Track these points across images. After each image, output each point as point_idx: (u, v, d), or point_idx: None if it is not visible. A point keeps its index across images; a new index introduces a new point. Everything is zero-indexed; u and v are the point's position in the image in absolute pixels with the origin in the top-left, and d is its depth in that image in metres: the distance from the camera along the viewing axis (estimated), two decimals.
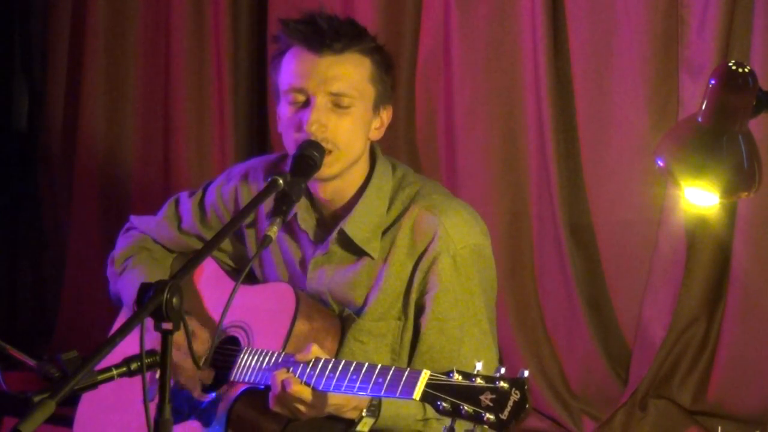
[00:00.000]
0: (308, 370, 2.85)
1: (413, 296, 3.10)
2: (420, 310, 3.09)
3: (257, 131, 4.98)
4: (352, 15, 4.58)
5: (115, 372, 2.67)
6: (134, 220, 3.51)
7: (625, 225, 4.30)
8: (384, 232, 3.13)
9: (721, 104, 2.58)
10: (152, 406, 2.44)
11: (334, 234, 3.13)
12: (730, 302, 4.15)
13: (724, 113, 2.58)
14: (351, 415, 2.90)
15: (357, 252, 3.14)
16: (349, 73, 3.07)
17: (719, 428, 4.08)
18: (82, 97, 5.11)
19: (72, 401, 3.33)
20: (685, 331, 4.23)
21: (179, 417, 3.09)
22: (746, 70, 2.55)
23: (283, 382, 2.83)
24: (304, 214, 3.19)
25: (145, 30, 5.05)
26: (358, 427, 2.89)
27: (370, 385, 2.72)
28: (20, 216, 5.38)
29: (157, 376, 2.70)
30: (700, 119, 2.61)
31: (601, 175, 4.33)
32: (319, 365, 2.84)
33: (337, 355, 3.08)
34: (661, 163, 2.64)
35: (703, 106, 2.60)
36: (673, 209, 4.15)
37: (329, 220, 3.19)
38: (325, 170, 3.05)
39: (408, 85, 4.61)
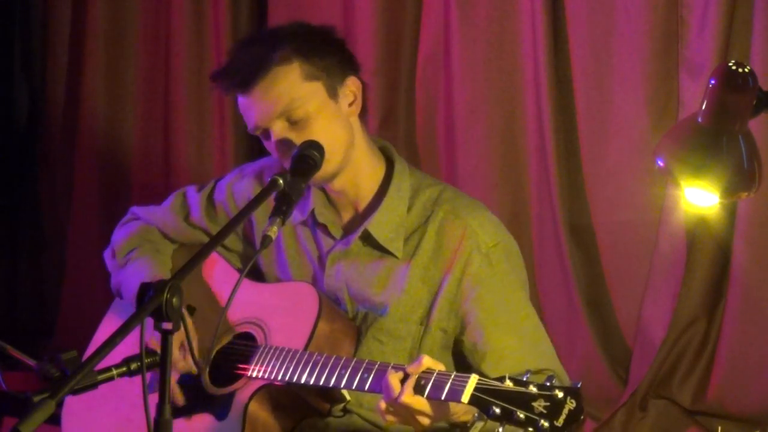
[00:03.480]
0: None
1: (445, 305, 3.07)
2: (466, 318, 3.06)
3: None
4: (352, 15, 4.60)
5: (115, 372, 2.68)
6: (137, 210, 3.50)
7: (625, 225, 4.30)
8: (409, 236, 3.12)
9: (721, 104, 2.57)
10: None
11: (359, 233, 3.13)
12: (730, 302, 4.15)
13: (724, 113, 2.58)
14: (465, 417, 2.83)
15: (379, 250, 3.13)
16: (280, 91, 3.04)
17: (719, 428, 4.08)
18: (82, 97, 5.11)
19: None
20: (685, 331, 4.23)
21: (191, 410, 3.09)
22: (746, 70, 2.55)
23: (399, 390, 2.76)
24: (321, 209, 3.19)
25: (145, 30, 5.05)
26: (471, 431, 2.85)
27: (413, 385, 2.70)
28: (20, 216, 5.38)
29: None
30: (700, 119, 2.61)
31: (601, 175, 4.33)
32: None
33: (355, 354, 3.09)
34: (661, 163, 2.64)
35: (703, 106, 2.60)
36: (673, 209, 4.14)
37: (350, 218, 3.20)
38: (322, 172, 3.04)
39: (408, 85, 4.60)
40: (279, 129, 3.04)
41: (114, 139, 5.10)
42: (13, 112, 5.36)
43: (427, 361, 2.73)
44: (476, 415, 2.71)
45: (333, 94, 3.09)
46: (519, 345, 3.03)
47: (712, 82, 2.58)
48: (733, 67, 2.56)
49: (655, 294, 4.23)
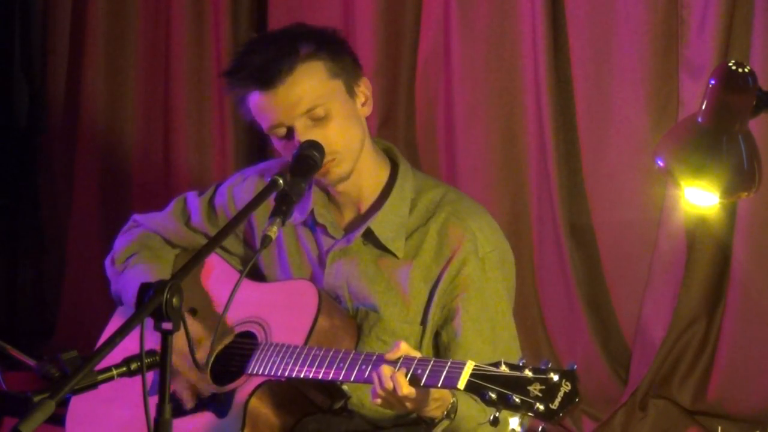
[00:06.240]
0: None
1: (438, 301, 3.09)
2: (450, 314, 3.09)
3: (257, 131, 4.97)
4: (352, 16, 4.60)
5: (115, 372, 2.68)
6: (138, 217, 3.51)
7: (625, 225, 4.30)
8: (410, 235, 3.13)
9: (721, 104, 2.57)
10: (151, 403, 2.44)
11: (361, 231, 3.14)
12: (730, 302, 4.16)
13: (724, 113, 2.58)
14: (434, 413, 2.86)
15: (380, 249, 3.14)
16: (307, 87, 3.02)
17: (719, 428, 4.08)
18: (82, 97, 5.11)
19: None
20: (685, 331, 4.23)
21: (192, 409, 3.09)
22: (746, 70, 2.55)
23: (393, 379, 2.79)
24: (321, 210, 3.19)
25: (145, 30, 5.05)
26: (434, 429, 2.86)
27: (409, 372, 2.72)
28: (20, 216, 5.38)
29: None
30: (700, 119, 2.61)
31: (601, 175, 4.33)
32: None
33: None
34: (661, 163, 2.64)
35: (703, 106, 2.60)
36: (673, 209, 4.15)
37: (352, 218, 3.19)
38: (337, 171, 3.04)
39: (408, 85, 4.61)
40: (302, 127, 3.03)
41: (114, 139, 5.10)
42: (13, 112, 5.37)
43: (404, 347, 2.78)
44: (445, 412, 2.80)
45: (351, 92, 3.10)
46: (492, 354, 3.04)
47: (712, 82, 2.58)
48: (733, 67, 2.56)
49: (655, 294, 4.23)
